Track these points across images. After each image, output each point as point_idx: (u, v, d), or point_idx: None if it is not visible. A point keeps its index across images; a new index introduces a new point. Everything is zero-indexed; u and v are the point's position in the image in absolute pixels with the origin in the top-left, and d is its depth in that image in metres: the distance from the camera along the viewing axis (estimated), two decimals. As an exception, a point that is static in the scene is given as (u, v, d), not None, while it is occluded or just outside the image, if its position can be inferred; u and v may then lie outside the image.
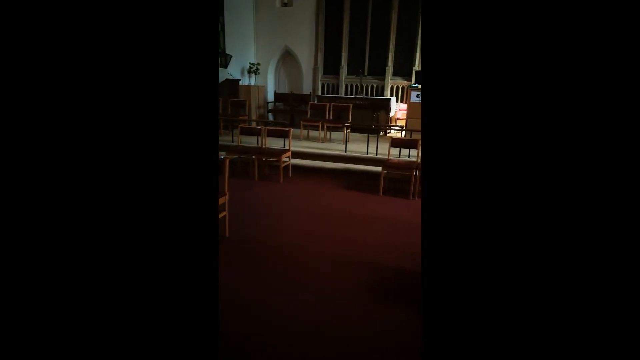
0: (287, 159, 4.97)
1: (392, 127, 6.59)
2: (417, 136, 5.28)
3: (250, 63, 8.15)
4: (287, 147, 4.96)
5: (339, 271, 2.59)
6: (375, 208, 3.90)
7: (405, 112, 6.34)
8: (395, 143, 4.55)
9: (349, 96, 7.60)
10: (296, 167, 5.11)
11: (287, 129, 5.00)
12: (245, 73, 8.14)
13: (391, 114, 7.00)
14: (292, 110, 7.91)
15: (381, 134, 6.51)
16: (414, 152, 4.81)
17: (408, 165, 4.26)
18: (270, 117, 8.16)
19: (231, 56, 7.40)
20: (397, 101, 7.57)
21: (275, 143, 5.42)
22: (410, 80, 7.42)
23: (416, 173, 4.21)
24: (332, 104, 6.51)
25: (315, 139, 6.21)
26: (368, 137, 5.38)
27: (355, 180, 4.86)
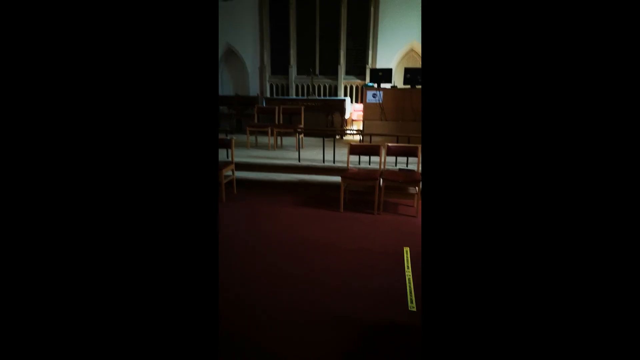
0: (231, 173, 4.23)
1: (348, 131, 6.09)
2: (377, 140, 4.81)
3: (187, 62, 7.23)
4: (229, 159, 4.21)
5: (297, 333, 1.94)
6: (338, 229, 3.31)
7: (362, 113, 5.86)
8: (355, 150, 4.00)
9: (300, 97, 6.99)
10: (242, 182, 4.38)
11: (229, 137, 4.25)
12: (182, 74, 7.21)
13: (346, 116, 6.50)
14: (238, 114, 7.12)
15: (337, 137, 5.97)
16: (375, 158, 4.31)
17: (370, 175, 3.73)
18: (214, 122, 7.29)
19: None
20: (351, 102, 7.10)
21: (216, 154, 4.64)
22: (365, 79, 6.99)
23: (380, 183, 3.69)
24: (282, 106, 5.85)
25: (264, 146, 5.50)
26: (324, 141, 4.79)
27: (312, 193, 4.24)
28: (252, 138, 5.66)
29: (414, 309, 2.14)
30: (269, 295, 2.26)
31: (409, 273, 2.55)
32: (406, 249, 2.91)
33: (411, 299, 2.23)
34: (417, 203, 3.69)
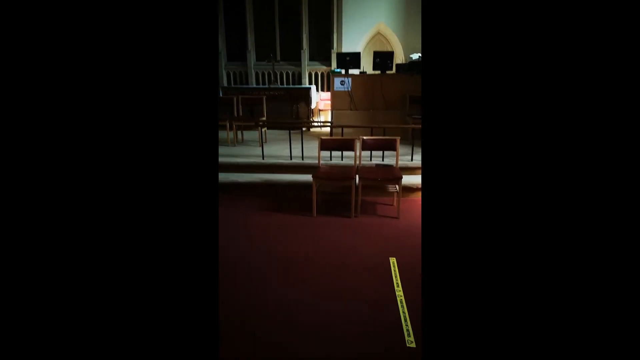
0: (183, 177, 3.63)
1: (316, 124, 5.61)
2: (349, 132, 4.39)
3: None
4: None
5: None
6: (311, 239, 2.86)
7: (329, 102, 5.40)
8: (327, 144, 3.54)
9: (261, 86, 6.40)
10: (198, 186, 3.78)
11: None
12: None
13: (312, 106, 6.01)
14: (192, 106, 6.40)
15: (304, 129, 5.48)
16: (349, 153, 3.88)
17: (345, 174, 3.30)
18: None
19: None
20: (317, 90, 6.62)
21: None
22: (330, 65, 6.52)
23: (357, 181, 3.28)
24: (241, 96, 5.24)
25: (222, 142, 4.89)
26: (290, 135, 4.28)
27: (279, 196, 3.75)
28: (208, 133, 5.02)
29: (413, 344, 1.75)
30: (230, 332, 1.78)
31: (399, 292, 2.17)
32: (392, 260, 2.53)
33: (408, 331, 1.85)
34: (397, 202, 3.33)
